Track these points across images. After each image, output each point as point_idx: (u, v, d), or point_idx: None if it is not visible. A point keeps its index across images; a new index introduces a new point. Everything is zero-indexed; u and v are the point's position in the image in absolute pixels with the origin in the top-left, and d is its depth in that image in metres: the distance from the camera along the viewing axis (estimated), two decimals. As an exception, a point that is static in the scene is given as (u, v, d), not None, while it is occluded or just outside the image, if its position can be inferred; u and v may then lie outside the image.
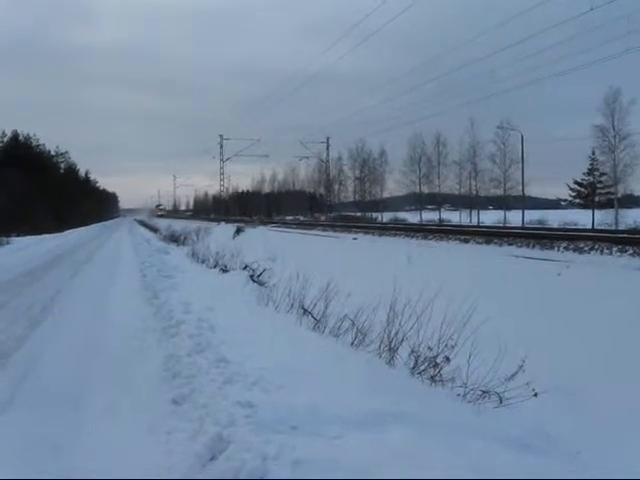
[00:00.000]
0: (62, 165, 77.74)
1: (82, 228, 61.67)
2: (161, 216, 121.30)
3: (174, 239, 26.78)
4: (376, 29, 67.63)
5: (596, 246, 19.21)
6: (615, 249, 18.33)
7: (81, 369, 6.04)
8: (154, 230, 39.38)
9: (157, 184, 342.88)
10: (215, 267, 14.45)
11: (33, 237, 37.09)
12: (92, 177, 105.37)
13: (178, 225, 35.94)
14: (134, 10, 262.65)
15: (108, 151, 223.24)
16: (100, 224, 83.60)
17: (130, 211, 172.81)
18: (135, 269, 15.52)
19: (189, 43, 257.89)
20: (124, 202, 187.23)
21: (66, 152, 78.35)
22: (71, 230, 53.82)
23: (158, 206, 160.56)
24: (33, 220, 47.50)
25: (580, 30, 45.20)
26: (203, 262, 15.97)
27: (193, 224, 39.26)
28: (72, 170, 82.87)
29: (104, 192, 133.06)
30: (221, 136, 78.75)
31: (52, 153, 73.59)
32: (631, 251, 17.69)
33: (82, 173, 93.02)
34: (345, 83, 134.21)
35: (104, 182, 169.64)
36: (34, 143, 66.73)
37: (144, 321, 8.17)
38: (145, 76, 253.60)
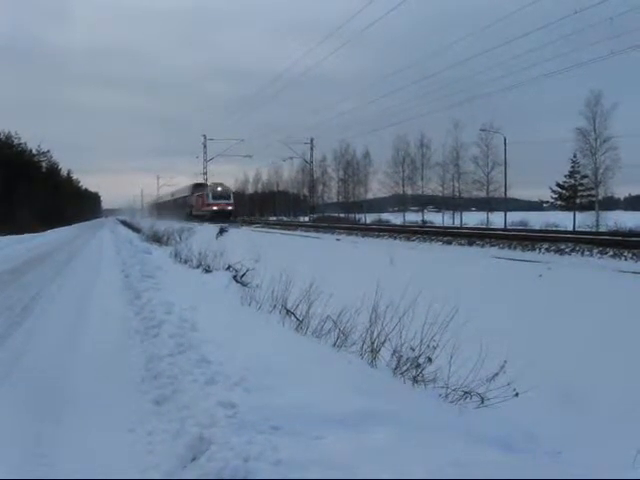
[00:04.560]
0: (44, 164, 76.96)
1: (64, 228, 61.12)
2: (218, 215, 61.77)
3: (157, 239, 26.62)
4: (361, 31, 67.89)
5: (577, 248, 19.39)
6: (596, 251, 18.52)
7: (62, 369, 6.00)
8: (137, 230, 39.13)
9: (139, 184, 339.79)
10: (198, 267, 14.39)
11: (14, 237, 36.66)
12: (74, 177, 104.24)
13: (161, 225, 35.74)
14: (116, 9, 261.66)
15: (90, 151, 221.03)
16: (82, 224, 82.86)
17: (112, 211, 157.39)
18: (117, 269, 15.42)
19: (173, 42, 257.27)
20: (106, 202, 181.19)
21: (48, 151, 77.37)
22: (53, 230, 53.31)
23: (202, 187, 74.21)
24: (14, 220, 47.00)
25: (564, 33, 45.62)
26: (186, 262, 15.89)
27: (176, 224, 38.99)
28: (54, 169, 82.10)
29: (86, 192, 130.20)
30: (204, 136, 78.24)
31: (34, 152, 72.84)
32: (611, 253, 17.89)
33: (64, 172, 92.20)
34: (329, 84, 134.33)
35: (86, 182, 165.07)
36: (15, 142, 66.02)
37: (126, 321, 8.13)
38: (127, 75, 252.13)
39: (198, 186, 76.75)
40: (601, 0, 27.06)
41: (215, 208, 65.23)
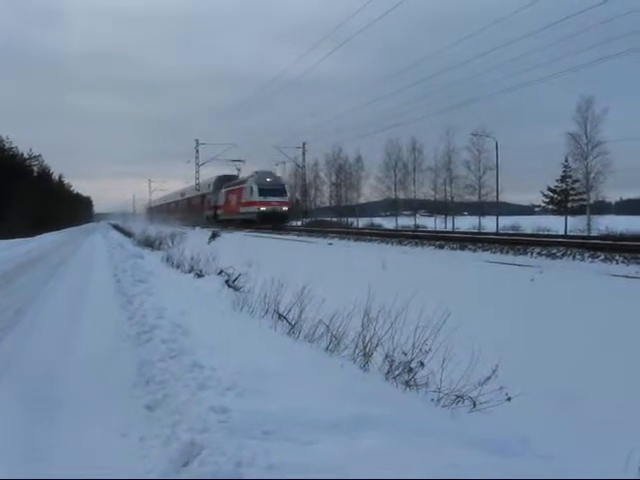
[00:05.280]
0: (35, 168, 76.69)
1: (56, 232, 60.90)
2: (268, 219, 45.29)
3: (149, 244, 26.55)
4: (353, 35, 68.06)
5: (568, 252, 19.42)
6: (587, 255, 18.53)
7: (54, 374, 5.97)
8: (128, 234, 39.01)
9: (131, 189, 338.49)
10: (190, 272, 14.36)
11: (5, 241, 36.48)
12: (66, 181, 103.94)
13: (152, 229, 35.67)
14: (111, 15, 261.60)
15: (81, 155, 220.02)
16: (74, 228, 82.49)
17: (104, 215, 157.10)
18: (109, 273, 15.37)
19: (166, 47, 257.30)
20: (98, 206, 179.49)
21: (39, 155, 77.18)
22: (45, 234, 53.03)
23: (233, 180, 57.87)
24: (4, 224, 46.81)
25: (556, 38, 45.99)
26: (178, 267, 15.87)
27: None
28: (45, 174, 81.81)
29: (78, 196, 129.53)
30: (197, 141, 77.98)
31: (25, 156, 72.58)
32: (602, 257, 17.91)
33: (55, 177, 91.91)
34: (325, 88, 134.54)
35: (78, 186, 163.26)
36: (7, 145, 65.75)
37: (118, 326, 8.10)
38: (118, 80, 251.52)
39: (226, 179, 58.58)
40: (594, 5, 27.19)
41: (263, 209, 45.88)
